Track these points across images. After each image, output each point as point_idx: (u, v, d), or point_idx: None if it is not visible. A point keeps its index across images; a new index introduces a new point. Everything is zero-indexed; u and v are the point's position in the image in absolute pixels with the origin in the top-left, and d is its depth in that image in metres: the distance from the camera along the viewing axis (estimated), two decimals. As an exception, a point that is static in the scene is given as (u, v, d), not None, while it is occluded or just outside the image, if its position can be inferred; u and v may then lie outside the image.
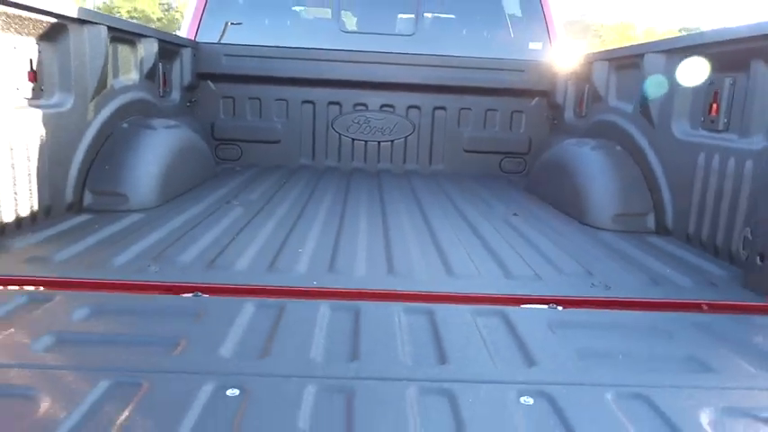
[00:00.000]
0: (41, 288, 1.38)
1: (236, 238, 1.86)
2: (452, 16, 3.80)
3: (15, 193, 1.74)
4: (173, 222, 2.02)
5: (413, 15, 3.60)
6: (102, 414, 0.86)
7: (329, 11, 3.66)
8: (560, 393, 0.97)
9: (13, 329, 1.12)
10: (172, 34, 3.27)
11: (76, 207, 2.12)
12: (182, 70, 3.20)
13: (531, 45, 3.56)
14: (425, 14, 3.65)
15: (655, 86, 2.28)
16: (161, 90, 2.95)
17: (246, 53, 3.39)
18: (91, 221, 1.98)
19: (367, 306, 1.32)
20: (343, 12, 3.62)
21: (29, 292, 1.33)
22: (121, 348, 1.08)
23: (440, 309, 1.32)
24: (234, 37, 3.45)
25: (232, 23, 3.46)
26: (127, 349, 1.08)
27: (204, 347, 1.08)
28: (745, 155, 1.74)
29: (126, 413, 0.86)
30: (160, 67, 2.90)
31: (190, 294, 1.37)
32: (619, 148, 2.53)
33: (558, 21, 3.59)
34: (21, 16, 1.79)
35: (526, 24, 3.62)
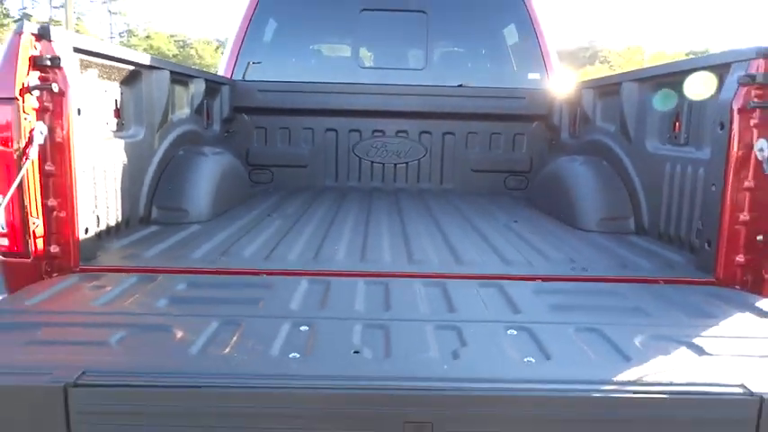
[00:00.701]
0: (146, 273, 1.80)
1: (282, 240, 2.27)
2: (459, 51, 4.25)
3: (107, 207, 2.17)
4: (228, 230, 2.44)
5: (423, 51, 4.05)
6: (219, 339, 1.26)
7: (349, 49, 4.13)
8: (536, 328, 1.35)
9: (137, 295, 1.53)
10: (214, 74, 3.75)
11: (146, 220, 2.55)
12: (221, 105, 3.65)
13: (530, 75, 3.98)
14: (434, 50, 4.09)
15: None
16: (206, 122, 3.41)
17: (277, 89, 3.84)
18: (161, 231, 2.40)
19: (393, 281, 1.71)
20: (361, 50, 4.08)
21: (137, 275, 1.74)
22: (219, 305, 1.49)
23: (450, 282, 1.72)
24: (264, 74, 3.91)
25: (264, 61, 3.93)
26: (224, 305, 1.48)
27: (278, 304, 1.49)
28: (699, 163, 2.12)
29: (234, 338, 1.26)
30: (205, 102, 3.35)
31: (257, 276, 1.78)
32: (604, 162, 2.92)
33: (553, 53, 4.02)
34: (111, 66, 2.25)
35: (525, 57, 4.04)
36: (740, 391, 1.08)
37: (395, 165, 3.97)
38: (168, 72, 2.69)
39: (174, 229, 2.41)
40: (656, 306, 1.56)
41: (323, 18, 4.07)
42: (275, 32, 4.10)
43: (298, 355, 1.18)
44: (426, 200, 3.49)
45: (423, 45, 4.02)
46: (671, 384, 1.10)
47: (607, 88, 3.05)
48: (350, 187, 3.89)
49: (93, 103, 2.08)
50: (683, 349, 1.27)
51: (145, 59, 2.49)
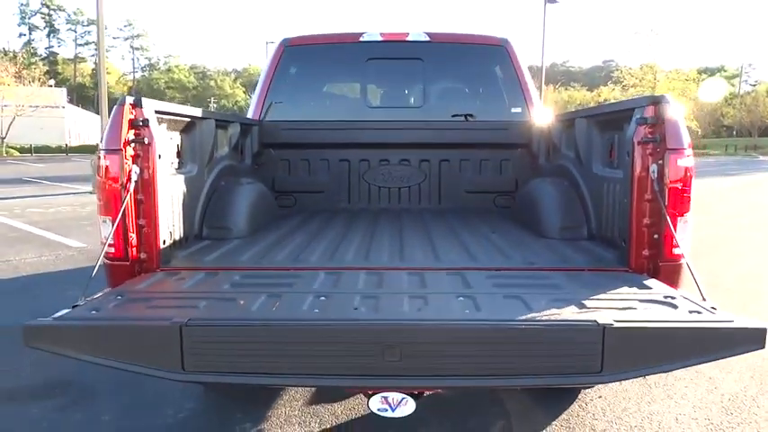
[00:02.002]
0: (209, 271, 2.50)
1: (305, 249, 2.97)
2: (451, 90, 4.96)
3: (175, 225, 2.88)
4: (263, 243, 3.14)
5: (420, 92, 4.77)
6: (267, 303, 1.94)
7: (358, 92, 4.86)
8: (478, 297, 2.02)
9: (207, 283, 2.23)
10: (246, 117, 4.50)
11: (199, 236, 3.26)
12: (252, 142, 4.39)
13: (513, 110, 4.67)
14: (430, 90, 4.81)
15: None
16: (240, 157, 4.14)
17: (298, 127, 4.57)
18: (212, 244, 3.11)
19: (386, 273, 2.39)
20: (368, 92, 4.82)
21: (204, 272, 2.44)
22: (264, 287, 2.18)
23: (427, 273, 2.39)
24: (287, 114, 4.64)
25: (287, 103, 4.67)
26: (267, 287, 2.17)
27: (304, 286, 2.17)
28: (619, 182, 2.78)
29: (277, 303, 1.95)
30: (239, 141, 4.09)
31: (288, 271, 2.47)
32: (566, 182, 3.58)
33: (533, 90, 4.71)
34: (176, 120, 2.98)
35: (509, 94, 4.73)
36: (593, 323, 1.73)
37: (399, 188, 4.65)
38: (214, 120, 3.42)
39: (221, 243, 3.12)
40: (569, 284, 2.21)
41: (336, 66, 4.82)
42: (295, 79, 4.84)
43: (318, 311, 1.86)
44: (424, 217, 4.16)
45: (420, 86, 4.74)
46: (552, 320, 1.76)
47: (567, 122, 3.72)
48: (360, 208, 4.58)
49: (166, 149, 2.80)
50: (571, 306, 1.92)
51: (197, 113, 3.23)
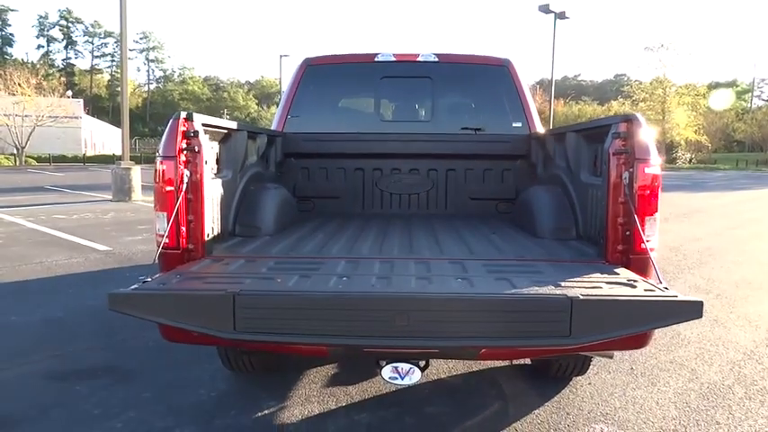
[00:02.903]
0: (248, 258, 2.94)
1: (326, 244, 3.40)
2: (457, 106, 5.41)
3: (214, 222, 3.32)
4: (289, 239, 3.57)
5: (429, 107, 5.21)
6: (300, 281, 2.37)
7: (372, 107, 5.32)
8: (472, 278, 2.44)
9: (248, 267, 2.67)
10: (272, 130, 4.96)
11: (233, 233, 3.69)
12: (276, 152, 4.84)
13: (514, 124, 5.10)
14: (438, 106, 5.25)
15: None
16: (266, 165, 4.59)
17: (317, 138, 5.01)
18: (245, 240, 3.54)
19: (397, 261, 2.82)
20: (381, 107, 5.27)
21: (244, 260, 2.88)
22: (296, 270, 2.60)
23: (432, 262, 2.81)
24: (308, 127, 5.08)
25: (308, 117, 5.13)
26: (298, 270, 2.60)
27: (329, 270, 2.60)
28: (601, 188, 3.19)
29: (308, 281, 2.38)
30: (266, 150, 4.54)
31: (315, 259, 2.90)
32: (559, 189, 3.99)
33: (532, 105, 5.14)
34: (216, 132, 3.44)
35: (510, 110, 5.16)
36: (563, 296, 2.14)
37: (408, 195, 5.08)
38: (246, 132, 3.88)
39: (252, 239, 3.55)
40: (551, 271, 2.62)
41: (352, 84, 5.28)
42: (316, 95, 5.30)
43: (342, 287, 2.29)
44: (432, 220, 4.58)
45: (429, 102, 5.19)
46: (532, 294, 2.18)
47: (560, 136, 4.15)
48: (373, 213, 5.01)
49: (209, 156, 3.26)
50: (549, 285, 2.33)
51: (233, 126, 3.69)
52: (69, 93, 56.49)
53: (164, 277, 2.44)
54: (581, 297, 2.10)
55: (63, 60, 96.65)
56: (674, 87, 55.38)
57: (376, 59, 5.11)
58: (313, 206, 5.07)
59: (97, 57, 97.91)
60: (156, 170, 2.88)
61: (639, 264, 2.78)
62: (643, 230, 2.72)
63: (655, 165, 2.79)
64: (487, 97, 5.25)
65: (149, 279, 2.38)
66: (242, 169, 3.87)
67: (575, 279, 2.45)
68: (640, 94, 55.47)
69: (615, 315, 2.10)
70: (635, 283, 2.37)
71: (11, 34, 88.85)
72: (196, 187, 2.93)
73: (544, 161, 4.65)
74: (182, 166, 2.87)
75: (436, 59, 5.11)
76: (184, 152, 2.88)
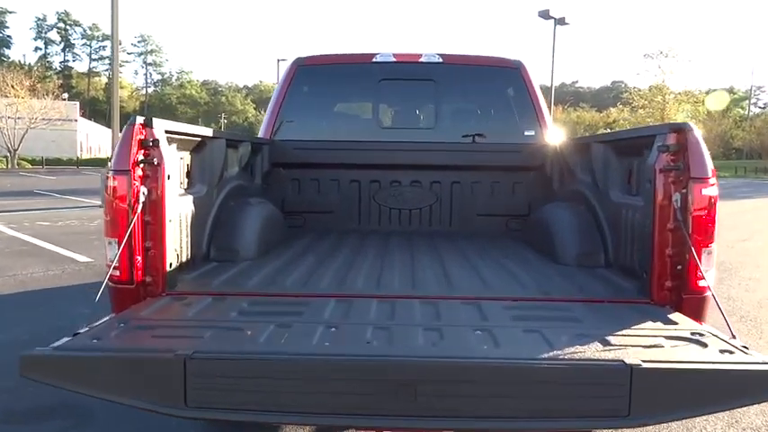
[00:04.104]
0: (216, 296, 2.43)
1: (315, 272, 2.89)
2: (463, 112, 4.92)
3: (181, 247, 2.82)
4: (272, 265, 3.07)
5: (432, 113, 4.72)
6: (276, 334, 1.87)
7: (370, 112, 4.82)
8: (495, 330, 1.94)
9: (214, 310, 2.16)
10: (258, 137, 4.47)
11: (207, 258, 3.19)
12: (262, 161, 4.34)
13: (526, 132, 4.61)
14: (442, 112, 4.76)
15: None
16: (250, 177, 4.09)
17: (309, 147, 4.52)
18: (220, 266, 3.04)
19: (399, 302, 2.32)
20: (380, 112, 4.78)
21: (211, 297, 2.37)
22: (273, 316, 2.10)
23: (441, 302, 2.31)
24: (298, 134, 4.60)
25: (299, 122, 4.63)
26: (276, 316, 2.10)
27: (315, 315, 2.10)
28: (639, 210, 2.70)
29: (286, 334, 1.87)
30: (250, 160, 4.04)
31: (298, 298, 2.40)
32: (582, 207, 3.50)
33: (546, 112, 4.65)
34: (186, 140, 2.94)
35: (522, 116, 4.67)
36: (620, 363, 1.64)
37: (409, 210, 4.58)
38: (224, 140, 3.38)
39: (229, 265, 3.05)
40: (590, 317, 2.12)
41: (348, 87, 4.79)
42: (308, 99, 4.81)
43: (329, 344, 1.78)
44: (435, 240, 4.09)
45: (432, 108, 4.69)
46: (576, 359, 1.67)
47: (583, 146, 3.66)
48: (370, 230, 4.51)
49: (175, 169, 2.75)
50: (595, 342, 1.83)
51: (208, 133, 3.19)
52: (65, 95, 56.02)
53: (101, 328, 1.93)
54: (643, 365, 1.60)
55: (61, 63, 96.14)
56: (672, 94, 55.06)
57: (374, 60, 4.63)
58: (304, 222, 4.58)
59: (95, 60, 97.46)
60: (106, 186, 2.39)
61: (694, 305, 2.29)
62: (699, 263, 2.23)
63: (713, 184, 2.30)
64: (497, 103, 4.77)
65: (82, 330, 1.87)
66: (219, 183, 3.37)
67: (623, 331, 1.96)
68: (639, 101, 55.12)
69: (688, 389, 1.61)
70: (703, 339, 1.87)
71: (8, 36, 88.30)
72: (156, 207, 2.44)
73: (562, 175, 4.17)
74: (137, 182, 2.37)
75: (440, 60, 4.63)
76: (141, 165, 2.39)
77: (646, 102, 55.07)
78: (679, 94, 55.19)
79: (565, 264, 3.21)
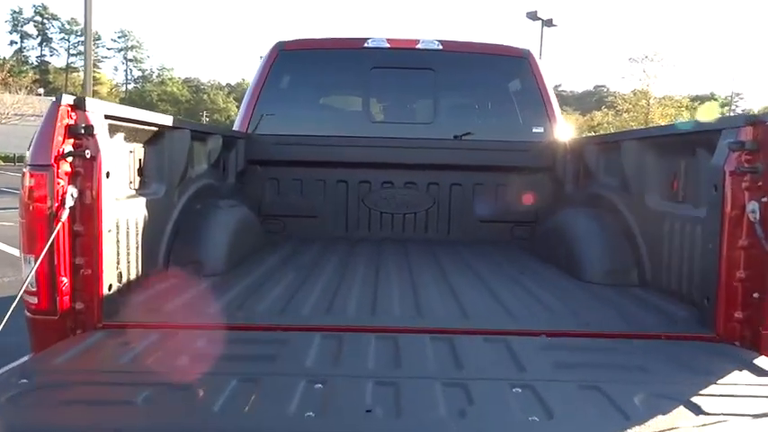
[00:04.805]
0: (166, 330, 1.88)
1: (295, 294, 2.36)
2: (465, 105, 4.41)
3: (129, 263, 2.27)
4: (242, 283, 2.53)
5: (431, 106, 4.20)
6: (238, 398, 1.33)
7: (360, 104, 4.29)
8: (540, 386, 1.42)
9: (159, 353, 1.62)
10: (231, 129, 3.91)
11: (165, 273, 2.64)
12: (236, 158, 3.79)
13: (534, 129, 4.11)
14: (441, 105, 4.24)
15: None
16: (222, 176, 3.54)
17: (289, 142, 3.98)
18: (179, 284, 2.49)
19: (403, 337, 1.79)
20: (371, 105, 4.25)
21: (159, 332, 1.83)
22: (237, 362, 1.56)
23: (456, 338, 1.79)
24: (279, 128, 4.06)
25: (280, 115, 4.08)
26: (241, 362, 1.56)
27: (293, 361, 1.56)
28: (696, 221, 2.21)
29: (253, 397, 1.33)
30: (222, 157, 3.49)
31: (273, 332, 1.86)
32: (608, 215, 3.01)
33: (556, 107, 4.16)
34: (137, 129, 2.39)
35: (529, 111, 4.18)
36: None
37: (403, 215, 4.07)
38: (188, 131, 2.83)
39: (191, 282, 2.50)
40: (656, 363, 1.62)
41: (336, 75, 4.25)
42: (290, 88, 4.27)
43: (313, 414, 1.25)
44: (434, 250, 3.57)
45: (430, 100, 4.18)
46: None
47: (609, 145, 3.16)
48: (360, 237, 3.99)
49: (120, 165, 2.20)
50: (681, 408, 1.33)
51: (167, 121, 2.64)
52: (41, 90, 54.62)
53: None
54: None
55: (37, 58, 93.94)
56: (652, 99, 55.22)
57: (365, 45, 4.11)
58: (283, 227, 4.04)
59: (73, 55, 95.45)
60: (21, 187, 1.83)
61: None
62: None
63: None
64: (502, 95, 4.28)
65: None
66: (182, 182, 2.82)
67: (710, 388, 1.45)
68: (624, 105, 55.20)
69: None
70: None
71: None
72: (90, 213, 1.89)
73: (577, 177, 3.68)
74: (62, 181, 1.82)
75: (440, 47, 4.12)
76: (68, 159, 1.83)
77: (630, 105, 55.23)
78: (663, 98, 55.41)
79: (590, 281, 2.72)
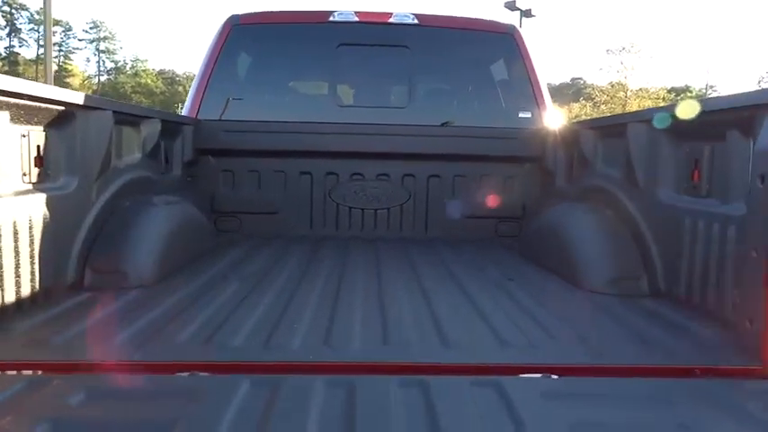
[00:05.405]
0: (40, 372, 1.40)
1: (232, 314, 1.89)
2: (444, 88, 3.96)
3: (18, 276, 1.78)
4: (171, 298, 2.05)
5: (406, 88, 3.75)
6: None
7: (326, 86, 3.82)
8: None
9: (11, 416, 1.14)
10: (174, 114, 3.41)
11: (77, 286, 2.16)
12: (183, 147, 3.30)
13: (521, 114, 3.69)
14: (418, 87, 3.79)
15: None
16: (162, 167, 3.05)
17: (245, 128, 3.50)
18: (90, 301, 2.01)
19: (362, 381, 1.33)
20: (338, 87, 3.78)
21: (27, 377, 1.35)
22: (113, 429, 1.10)
23: (434, 381, 1.34)
24: (233, 113, 3.58)
25: (234, 99, 3.59)
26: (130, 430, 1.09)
27: (203, 425, 1.10)
28: (729, 220, 1.78)
29: None
30: (162, 145, 3.00)
31: (186, 373, 1.39)
32: (609, 212, 2.59)
33: (545, 91, 3.73)
34: (32, 107, 1.89)
35: (516, 94, 3.76)
36: None
37: (375, 211, 3.62)
38: (110, 112, 2.34)
39: (106, 298, 2.02)
40: (702, 418, 1.19)
41: (298, 53, 3.77)
42: (246, 68, 3.80)
43: None
44: (409, 251, 3.13)
45: (405, 82, 3.73)
46: None
47: (610, 129, 2.74)
48: (325, 236, 3.53)
49: (7, 152, 1.72)
50: None
51: (78, 98, 2.14)
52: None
53: None
54: None
55: (6, 49, 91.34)
56: (629, 92, 55.42)
57: (331, 19, 3.64)
58: (239, 225, 3.57)
59: (43, 46, 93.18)
60: None
61: None
62: None
63: None
64: (485, 76, 3.85)
65: None
66: (102, 174, 2.33)
67: None
68: (601, 96, 55.29)
69: None
70: None
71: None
72: None
73: (570, 167, 3.26)
74: None
75: (416, 22, 3.67)
76: None
77: (608, 97, 55.36)
78: (640, 90, 55.63)
79: (590, 290, 2.29)
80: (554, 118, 3.68)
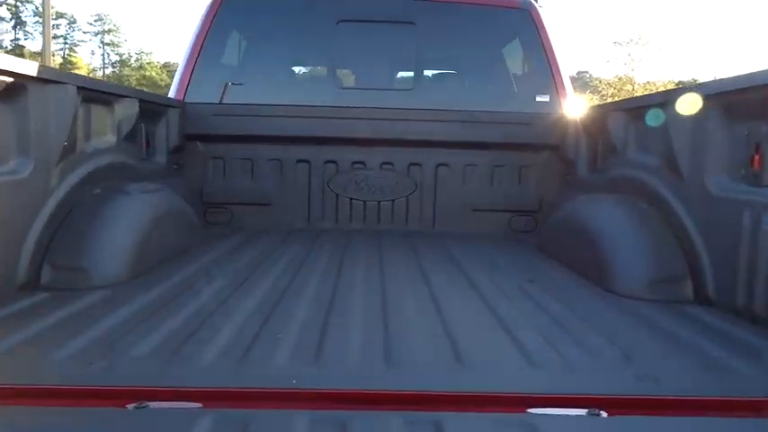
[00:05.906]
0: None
1: (207, 321, 1.59)
2: (453, 69, 3.66)
3: None
4: (139, 301, 1.76)
5: (412, 69, 3.45)
6: None
7: (325, 67, 3.52)
8: None
9: None
10: (155, 94, 3.12)
11: (32, 285, 1.87)
12: (168, 132, 3.02)
13: (538, 98, 3.38)
14: (425, 68, 3.49)
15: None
16: (143, 153, 2.75)
17: (237, 112, 3.22)
18: (43, 303, 1.72)
19: (356, 419, 1.03)
20: (338, 68, 3.48)
21: None
22: None
23: (449, 419, 1.03)
24: (224, 95, 3.28)
25: (225, 80, 3.29)
26: None
27: None
28: None
29: None
30: (142, 128, 2.71)
31: (134, 405, 1.09)
32: (644, 205, 2.28)
33: (565, 72, 3.42)
34: None
35: (532, 76, 3.46)
36: None
37: (378, 203, 3.32)
38: (73, 87, 2.04)
39: (62, 301, 1.73)
40: None
41: (294, 31, 3.47)
42: (238, 46, 3.50)
43: None
44: (416, 247, 2.83)
45: (411, 62, 3.42)
46: None
47: (647, 110, 2.42)
48: (323, 230, 3.23)
49: None
50: None
51: (31, 69, 1.84)
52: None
53: None
54: None
55: (12, 41, 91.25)
56: (637, 85, 54.95)
57: None
58: (231, 217, 3.29)
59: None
60: None
61: None
62: None
63: None
64: (499, 56, 3.54)
65: None
66: (65, 158, 2.03)
67: None
68: (608, 90, 54.79)
69: None
70: None
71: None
72: None
73: (594, 155, 2.95)
74: None
75: None
76: None
77: (615, 90, 54.86)
78: (647, 83, 55.10)
79: (625, 294, 1.98)
80: (574, 102, 3.37)
